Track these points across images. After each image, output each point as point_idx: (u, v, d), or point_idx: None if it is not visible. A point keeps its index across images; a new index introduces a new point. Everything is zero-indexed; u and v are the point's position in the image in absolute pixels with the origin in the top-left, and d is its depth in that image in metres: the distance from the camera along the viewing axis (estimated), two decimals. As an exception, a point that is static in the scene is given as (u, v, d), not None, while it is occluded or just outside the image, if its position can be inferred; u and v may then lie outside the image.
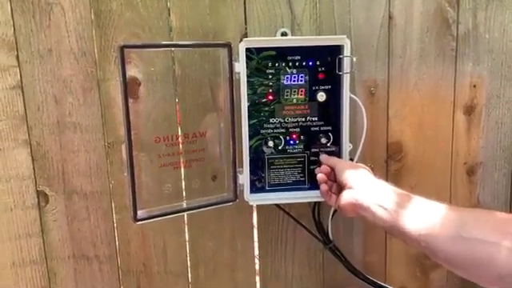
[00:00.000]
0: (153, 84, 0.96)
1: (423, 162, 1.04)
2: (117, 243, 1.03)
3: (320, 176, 0.84)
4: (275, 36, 0.95)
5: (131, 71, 0.95)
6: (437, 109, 1.02)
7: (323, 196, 0.84)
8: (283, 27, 0.95)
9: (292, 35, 0.95)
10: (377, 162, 1.02)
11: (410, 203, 0.70)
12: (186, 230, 1.04)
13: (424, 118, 1.02)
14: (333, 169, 0.83)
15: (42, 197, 0.98)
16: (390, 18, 0.97)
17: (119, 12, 0.93)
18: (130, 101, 0.95)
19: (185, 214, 0.94)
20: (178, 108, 0.97)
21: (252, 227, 1.05)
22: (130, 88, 0.95)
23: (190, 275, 1.06)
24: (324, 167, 0.85)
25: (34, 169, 0.96)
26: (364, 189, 0.75)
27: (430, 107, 1.02)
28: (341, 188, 0.80)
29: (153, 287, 1.05)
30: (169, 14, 0.95)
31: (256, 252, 1.06)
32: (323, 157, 0.89)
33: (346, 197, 0.76)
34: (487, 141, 1.04)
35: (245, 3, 0.95)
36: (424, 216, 0.67)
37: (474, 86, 1.01)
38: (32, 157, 0.95)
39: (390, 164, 1.03)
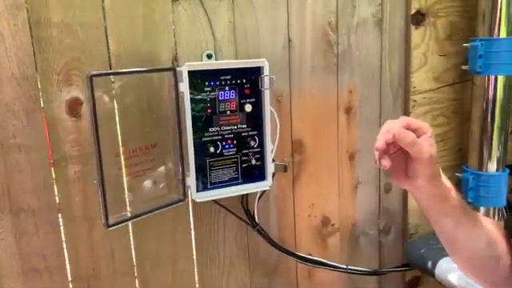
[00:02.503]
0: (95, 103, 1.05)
1: (318, 153, 1.32)
2: (65, 253, 1.10)
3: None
4: (202, 57, 1.12)
5: (74, 92, 1.04)
6: (325, 111, 1.31)
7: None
8: (208, 49, 1.13)
9: (215, 56, 1.13)
10: (286, 155, 1.26)
11: None
12: (131, 232, 1.16)
13: (317, 118, 1.30)
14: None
15: (-12, 218, 1.00)
16: (290, 41, 1.22)
17: (60, 38, 1.01)
18: (73, 119, 1.04)
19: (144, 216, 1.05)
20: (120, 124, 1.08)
21: (189, 222, 1.21)
22: (72, 107, 1.04)
23: (136, 272, 1.18)
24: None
25: (-19, 192, 0.98)
26: None
27: (321, 110, 1.30)
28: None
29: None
30: (107, 39, 1.05)
31: (193, 243, 1.23)
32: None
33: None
34: (361, 133, 1.36)
35: (174, 29, 1.10)
36: None
37: (351, 92, 1.32)
38: (-21, 180, 0.98)
39: (295, 156, 1.29)
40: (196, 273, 1.25)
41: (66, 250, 1.10)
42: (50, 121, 1.03)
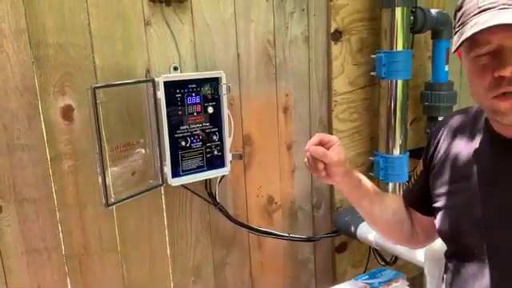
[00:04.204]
0: (84, 109, 1.28)
1: (263, 145, 1.63)
2: (61, 235, 1.31)
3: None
4: (169, 69, 1.38)
5: (67, 101, 1.26)
6: (268, 111, 1.62)
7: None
8: (174, 63, 1.40)
9: (180, 68, 1.40)
10: (238, 148, 1.55)
11: None
12: (115, 215, 1.39)
13: (261, 117, 1.61)
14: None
15: (-4, 208, 1.20)
16: (238, 55, 1.52)
17: (55, 56, 1.23)
18: (66, 123, 1.27)
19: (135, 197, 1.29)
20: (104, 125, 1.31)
21: (161, 205, 1.47)
22: (65, 113, 1.26)
23: (119, 249, 1.41)
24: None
25: (-7, 185, 1.18)
26: None
27: (265, 110, 1.61)
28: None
29: (92, 263, 1.37)
30: (93, 56, 1.28)
31: (165, 223, 1.48)
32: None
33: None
34: (296, 127, 1.69)
35: (147, 47, 1.35)
36: None
37: (287, 95, 1.65)
38: (-9, 175, 1.17)
39: (246, 149, 1.58)
40: (168, 248, 1.51)
41: (61, 232, 1.31)
42: (48, 124, 1.24)
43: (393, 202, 1.13)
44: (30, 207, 1.25)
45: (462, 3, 0.82)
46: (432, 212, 1.00)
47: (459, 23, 0.81)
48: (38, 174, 1.25)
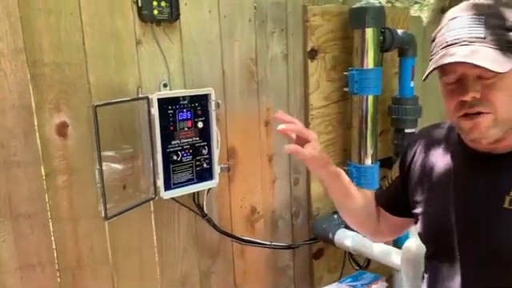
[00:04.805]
0: (79, 125, 1.31)
1: (246, 157, 1.70)
2: (54, 249, 1.33)
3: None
4: (159, 86, 1.44)
5: (62, 118, 1.29)
6: (251, 125, 1.70)
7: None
8: (164, 80, 1.46)
9: (169, 85, 1.46)
10: (223, 160, 1.62)
11: None
12: (106, 229, 1.42)
13: (245, 131, 1.69)
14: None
15: (-7, 224, 1.21)
16: (223, 72, 1.59)
17: (51, 74, 1.26)
18: (61, 139, 1.30)
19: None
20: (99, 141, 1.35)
21: (151, 218, 1.51)
22: (60, 130, 1.30)
23: (111, 261, 1.44)
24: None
25: (-10, 201, 1.19)
26: None
27: (248, 124, 1.69)
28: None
29: (85, 276, 1.39)
30: (87, 75, 1.32)
31: (154, 235, 1.53)
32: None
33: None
34: (276, 140, 1.78)
35: (138, 65, 1.41)
36: None
37: (268, 110, 1.74)
38: (-13, 192, 1.18)
39: (230, 160, 1.66)
40: (157, 259, 1.55)
41: (54, 247, 1.33)
42: (43, 141, 1.27)
43: (365, 198, 1.23)
44: (25, 222, 1.27)
45: (435, 36, 0.94)
46: (400, 213, 1.11)
47: (432, 52, 0.94)
48: (33, 190, 1.27)
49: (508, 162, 0.91)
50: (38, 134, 1.26)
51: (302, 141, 1.10)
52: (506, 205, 0.88)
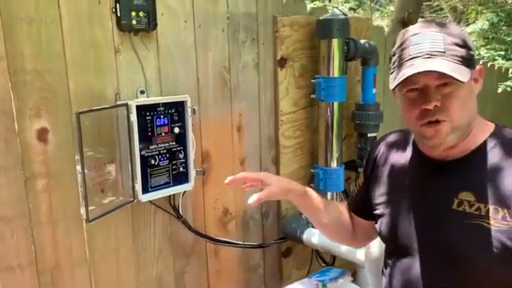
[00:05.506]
0: (58, 131, 1.35)
1: (219, 161, 1.78)
2: (34, 251, 1.36)
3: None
4: (137, 93, 1.50)
5: (42, 123, 1.33)
6: (224, 129, 1.78)
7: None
8: (141, 87, 1.51)
9: (147, 92, 1.52)
10: (198, 164, 1.69)
11: None
12: (84, 230, 1.46)
13: (218, 135, 1.76)
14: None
15: (-25, 227, 1.23)
16: (198, 79, 1.66)
17: (32, 81, 1.30)
18: (41, 144, 1.34)
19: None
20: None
21: (128, 220, 1.56)
22: (40, 135, 1.33)
23: (88, 262, 1.48)
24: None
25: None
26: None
27: (221, 129, 1.77)
28: None
29: (63, 277, 1.43)
30: (67, 82, 1.36)
31: (131, 236, 1.58)
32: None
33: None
34: (248, 144, 1.86)
35: (117, 73, 1.46)
36: None
37: (240, 115, 1.82)
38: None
39: (204, 164, 1.73)
40: (133, 260, 1.60)
41: (34, 249, 1.36)
42: (24, 146, 1.31)
43: (337, 209, 1.31)
44: (6, 226, 1.30)
45: (396, 50, 1.04)
46: (371, 217, 1.19)
47: (394, 66, 1.03)
48: (14, 194, 1.30)
49: (457, 168, 1.01)
50: (18, 139, 1.29)
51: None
52: (455, 206, 0.98)
